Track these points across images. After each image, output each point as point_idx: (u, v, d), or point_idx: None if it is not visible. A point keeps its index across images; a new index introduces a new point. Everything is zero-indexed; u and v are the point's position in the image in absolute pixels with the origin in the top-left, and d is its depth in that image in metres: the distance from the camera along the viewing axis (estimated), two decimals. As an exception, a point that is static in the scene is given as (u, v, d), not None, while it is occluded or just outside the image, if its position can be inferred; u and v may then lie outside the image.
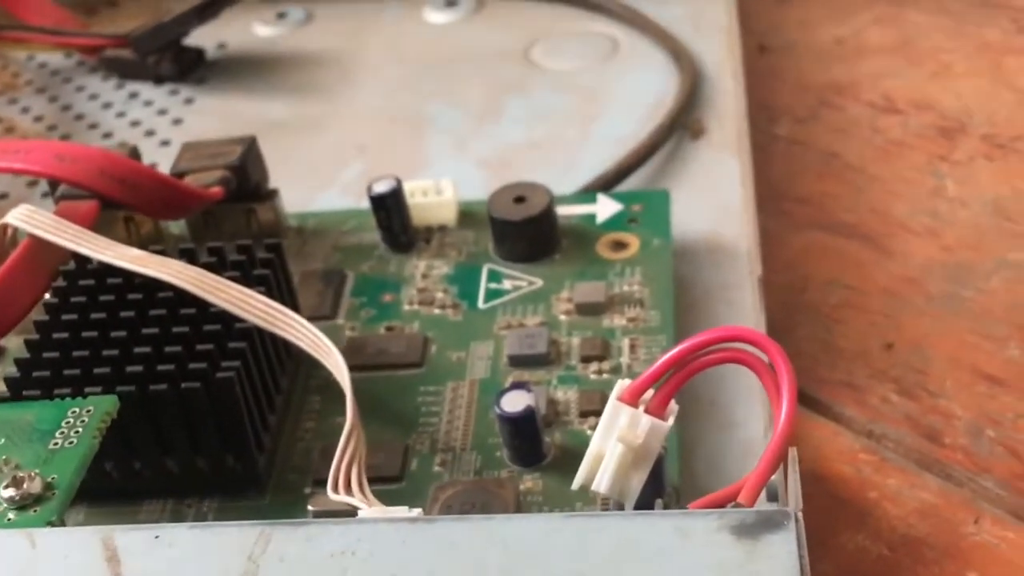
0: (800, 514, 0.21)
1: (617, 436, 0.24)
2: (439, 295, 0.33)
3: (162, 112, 0.44)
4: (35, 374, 0.26)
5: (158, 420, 0.27)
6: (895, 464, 0.30)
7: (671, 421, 0.25)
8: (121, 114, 0.44)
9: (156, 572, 0.21)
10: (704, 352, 0.24)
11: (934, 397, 0.31)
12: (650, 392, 0.25)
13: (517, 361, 0.31)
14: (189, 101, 0.45)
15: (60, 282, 0.29)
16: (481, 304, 0.33)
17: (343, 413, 0.27)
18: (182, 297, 0.29)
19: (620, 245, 0.34)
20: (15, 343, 0.30)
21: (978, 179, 0.38)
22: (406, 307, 0.33)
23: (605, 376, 0.30)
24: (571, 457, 0.28)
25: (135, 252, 0.29)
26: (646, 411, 0.25)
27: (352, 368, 0.28)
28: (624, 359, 0.31)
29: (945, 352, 0.33)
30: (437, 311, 0.33)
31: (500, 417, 0.28)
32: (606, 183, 0.37)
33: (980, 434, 0.30)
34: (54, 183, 0.33)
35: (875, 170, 0.39)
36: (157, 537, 0.21)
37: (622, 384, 0.25)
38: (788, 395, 0.23)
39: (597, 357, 0.31)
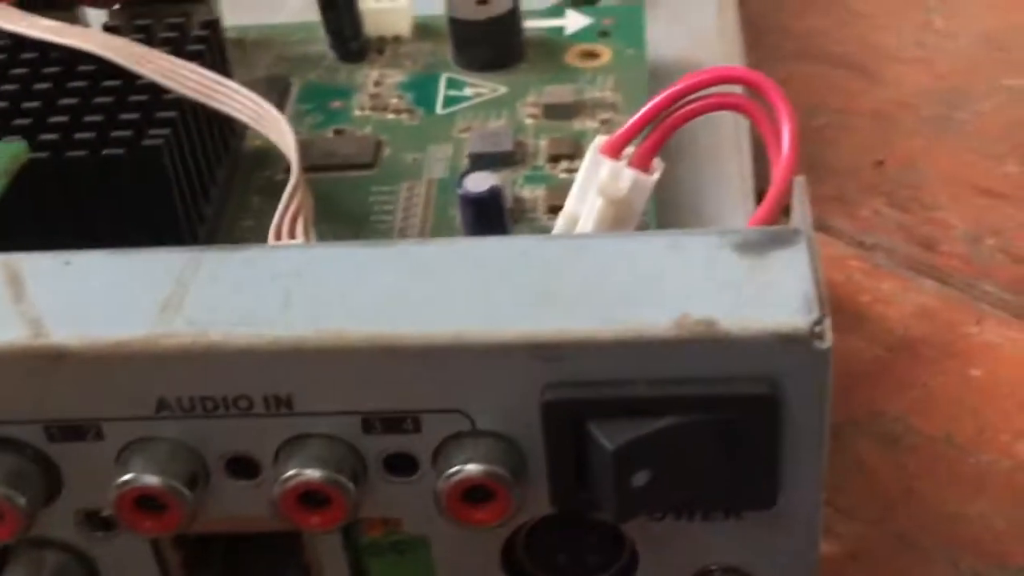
0: (812, 235, 0.18)
1: (598, 188, 0.22)
2: (393, 101, 0.30)
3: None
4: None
5: (78, 198, 0.24)
6: (889, 271, 0.28)
7: (657, 176, 0.22)
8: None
9: (65, 294, 0.18)
10: (692, 98, 0.22)
11: (928, 210, 0.29)
12: (631, 148, 0.22)
13: (479, 160, 0.28)
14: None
15: (-32, 56, 0.26)
16: (439, 110, 0.30)
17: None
18: (104, 70, 0.26)
19: (591, 55, 0.31)
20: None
21: (966, 13, 0.36)
22: (357, 112, 0.30)
23: (576, 175, 0.28)
24: (539, 252, 0.25)
25: (52, 23, 0.26)
26: (629, 165, 0.22)
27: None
28: (596, 160, 0.28)
29: (940, 169, 0.30)
30: (391, 116, 0.30)
31: (463, 198, 0.25)
32: (572, 5, 0.35)
33: (979, 242, 0.28)
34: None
35: (861, 7, 0.37)
36: (68, 264, 0.18)
37: (601, 138, 0.22)
38: (789, 126, 0.20)
39: (567, 156, 0.28)
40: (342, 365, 0.17)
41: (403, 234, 0.27)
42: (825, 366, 0.17)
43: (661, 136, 0.22)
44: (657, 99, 0.22)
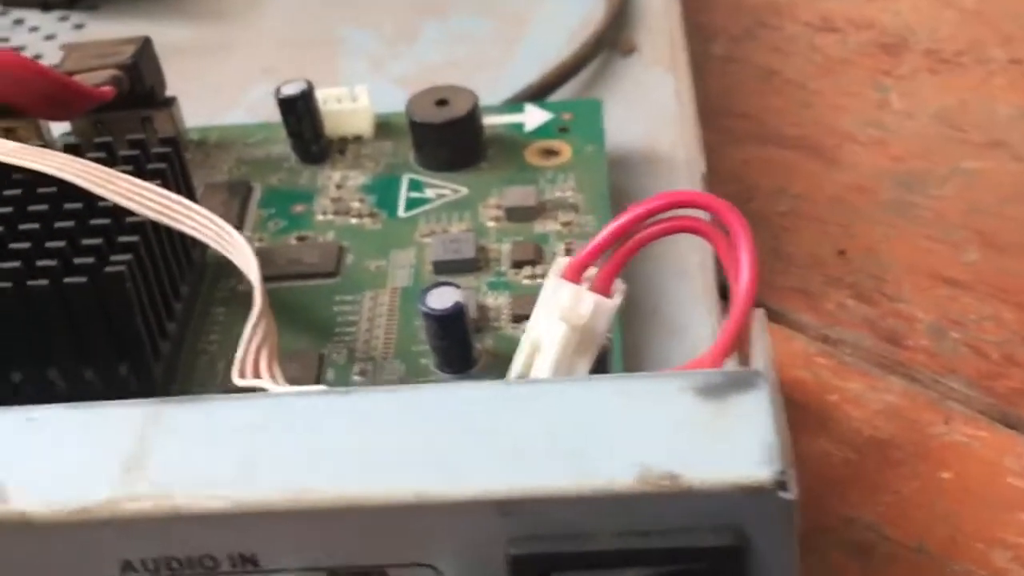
0: (774, 374, 0.18)
1: (559, 315, 0.22)
2: (355, 204, 0.30)
3: (49, 37, 0.41)
4: None
5: (39, 324, 0.24)
6: (855, 367, 0.28)
7: (619, 300, 0.22)
8: (3, 40, 0.41)
9: (28, 454, 0.18)
10: (651, 221, 0.22)
11: (892, 301, 0.29)
12: (593, 270, 0.22)
13: (442, 267, 0.28)
14: (79, 27, 0.41)
15: (-75, 181, 0.26)
16: (401, 213, 0.30)
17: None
18: (66, 192, 0.25)
19: (551, 153, 0.31)
20: None
21: (923, 92, 0.36)
22: (319, 217, 0.30)
23: (539, 281, 0.28)
24: (503, 363, 0.25)
25: (11, 145, 0.26)
26: (590, 289, 0.22)
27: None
28: (559, 263, 0.28)
29: (901, 257, 0.31)
30: (353, 220, 0.30)
31: (426, 315, 0.25)
32: (531, 97, 0.35)
33: (944, 335, 0.28)
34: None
35: (817, 86, 0.37)
36: (30, 420, 0.18)
37: (562, 261, 0.23)
38: (748, 254, 0.20)
39: (530, 262, 0.28)
40: (306, 524, 0.17)
41: (367, 346, 0.27)
42: (789, 515, 0.17)
43: (621, 260, 0.22)
44: (617, 223, 0.22)
